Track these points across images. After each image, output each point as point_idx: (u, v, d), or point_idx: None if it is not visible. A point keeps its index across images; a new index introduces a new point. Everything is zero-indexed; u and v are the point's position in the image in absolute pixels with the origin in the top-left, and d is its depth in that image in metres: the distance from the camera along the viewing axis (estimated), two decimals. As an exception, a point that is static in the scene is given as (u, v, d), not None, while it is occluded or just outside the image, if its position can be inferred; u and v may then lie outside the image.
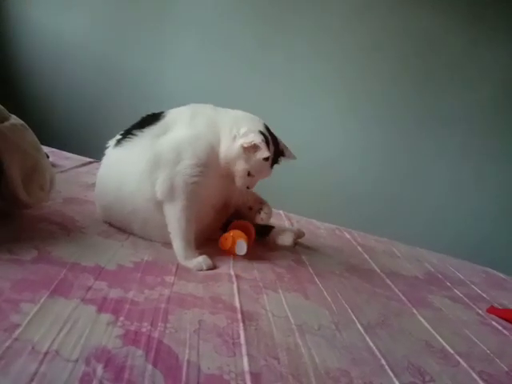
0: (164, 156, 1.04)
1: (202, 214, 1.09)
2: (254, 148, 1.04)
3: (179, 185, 1.03)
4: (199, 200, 1.06)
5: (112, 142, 1.15)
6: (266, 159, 1.06)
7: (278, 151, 1.13)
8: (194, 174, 1.03)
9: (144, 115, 1.15)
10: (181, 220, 1.04)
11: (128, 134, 1.11)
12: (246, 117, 1.13)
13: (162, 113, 1.13)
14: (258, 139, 1.03)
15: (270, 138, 1.09)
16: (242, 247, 1.09)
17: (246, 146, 1.04)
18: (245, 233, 1.13)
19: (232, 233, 1.12)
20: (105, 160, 1.17)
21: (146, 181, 1.04)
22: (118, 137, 1.14)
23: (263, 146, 1.03)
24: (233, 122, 1.09)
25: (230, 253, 1.10)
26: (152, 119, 1.11)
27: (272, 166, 1.12)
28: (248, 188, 1.12)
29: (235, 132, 1.06)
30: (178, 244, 1.04)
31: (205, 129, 1.09)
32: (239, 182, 1.09)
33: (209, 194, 1.10)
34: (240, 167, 1.07)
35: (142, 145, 1.07)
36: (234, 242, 1.10)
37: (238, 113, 1.14)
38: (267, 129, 1.12)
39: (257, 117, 1.15)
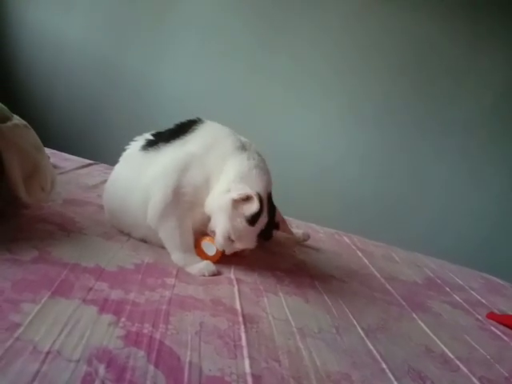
0: (164, 173, 1.02)
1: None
2: (244, 201, 0.98)
3: (170, 209, 1.00)
4: (191, 221, 1.04)
5: (140, 141, 1.12)
6: (251, 222, 0.99)
7: (271, 222, 1.06)
8: (186, 201, 1.01)
9: (180, 122, 1.12)
10: (174, 237, 1.02)
11: (158, 141, 1.08)
12: (255, 175, 1.04)
13: (195, 124, 1.10)
14: (251, 192, 0.96)
15: (265, 205, 1.02)
16: (207, 247, 1.06)
17: (236, 197, 0.97)
18: None
19: (198, 246, 1.07)
20: (125, 156, 1.14)
21: (147, 199, 1.03)
22: (149, 137, 1.12)
23: (256, 198, 0.96)
24: (238, 176, 1.02)
25: (204, 257, 1.05)
26: (183, 130, 1.09)
27: (258, 236, 1.04)
28: (224, 252, 1.04)
29: (233, 185, 1.00)
30: (175, 255, 1.02)
31: (214, 163, 1.04)
32: (219, 241, 1.01)
33: (201, 218, 1.05)
34: (221, 224, 0.99)
35: (161, 160, 1.05)
36: (198, 246, 1.06)
37: (250, 166, 1.04)
38: (269, 197, 1.06)
39: (265, 177, 1.06)
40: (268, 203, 1.05)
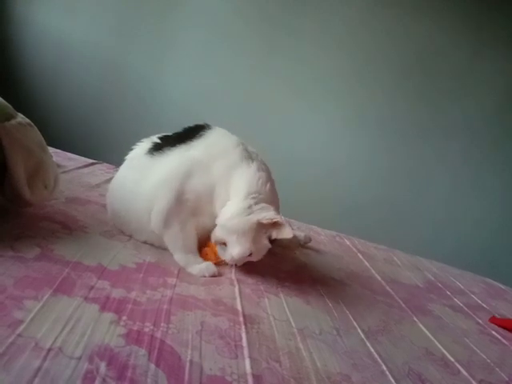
0: (167, 179, 1.01)
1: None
2: (272, 226, 0.98)
3: (173, 215, 1.00)
4: (194, 225, 1.03)
5: (146, 143, 1.11)
6: (273, 242, 1.01)
7: None
8: (189, 206, 1.00)
9: (187, 126, 1.11)
10: (177, 240, 1.02)
11: (164, 145, 1.07)
12: (269, 190, 1.04)
13: (203, 130, 1.08)
14: (279, 218, 0.97)
15: None
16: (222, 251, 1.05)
17: (265, 222, 0.97)
18: None
19: (210, 246, 1.07)
20: (131, 158, 1.13)
21: (151, 205, 1.02)
22: (156, 140, 1.10)
23: (287, 226, 0.97)
24: (253, 191, 1.01)
25: (218, 264, 1.04)
26: (189, 135, 1.07)
27: None
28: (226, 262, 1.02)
29: (252, 203, 0.99)
30: (178, 257, 1.02)
31: (221, 172, 1.02)
32: (235, 259, 1.00)
33: (203, 226, 1.05)
34: (242, 245, 0.98)
35: (165, 166, 1.04)
36: (215, 253, 1.05)
37: (263, 180, 1.03)
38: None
39: (276, 191, 1.08)
40: None
